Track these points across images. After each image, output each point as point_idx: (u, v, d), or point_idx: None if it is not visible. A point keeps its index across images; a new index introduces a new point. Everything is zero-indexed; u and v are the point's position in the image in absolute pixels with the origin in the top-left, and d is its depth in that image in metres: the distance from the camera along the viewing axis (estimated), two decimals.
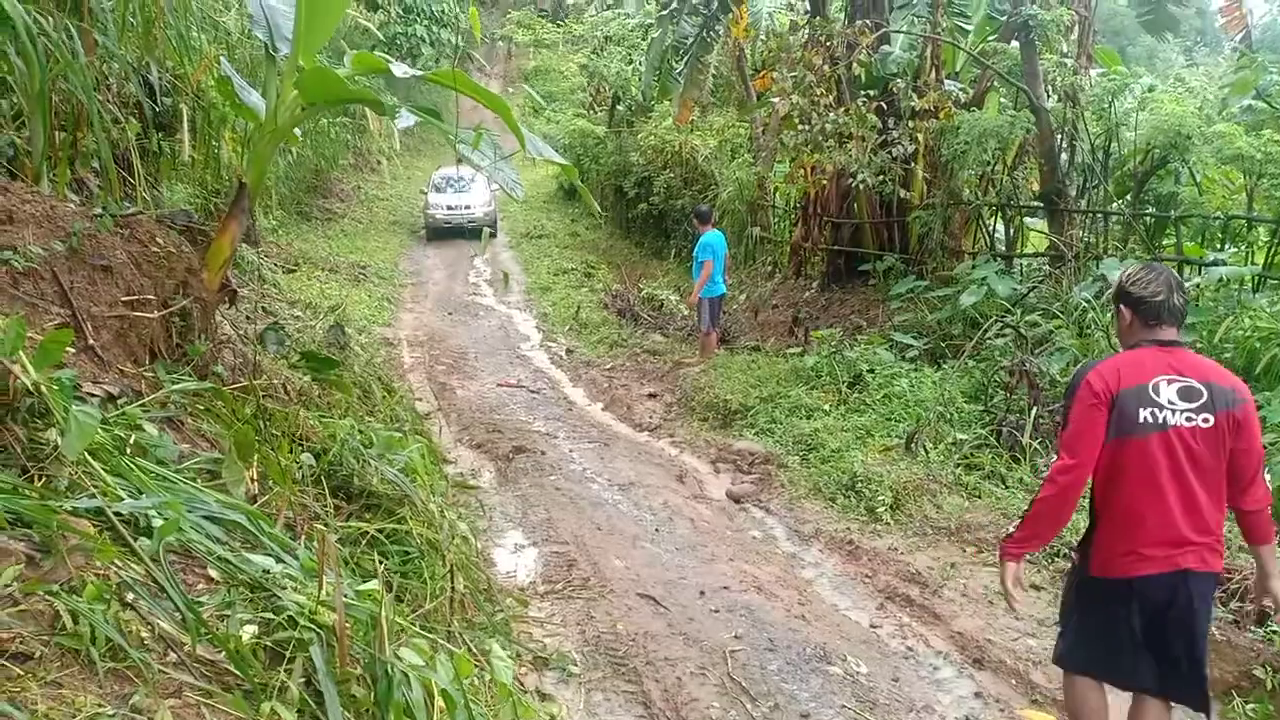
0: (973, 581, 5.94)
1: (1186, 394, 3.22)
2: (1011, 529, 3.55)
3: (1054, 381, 7.88)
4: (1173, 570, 3.29)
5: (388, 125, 19.13)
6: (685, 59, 15.17)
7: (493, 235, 23.12)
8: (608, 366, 12.57)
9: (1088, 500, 3.54)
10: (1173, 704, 3.50)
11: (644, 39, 22.67)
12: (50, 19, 4.07)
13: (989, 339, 9.26)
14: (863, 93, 11.87)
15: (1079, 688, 3.62)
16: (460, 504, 6.37)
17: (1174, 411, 3.21)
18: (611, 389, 11.42)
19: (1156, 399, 3.22)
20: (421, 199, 24.69)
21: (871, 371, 9.51)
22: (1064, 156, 10.95)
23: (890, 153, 11.33)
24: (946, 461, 7.54)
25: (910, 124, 11.40)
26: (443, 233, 23.16)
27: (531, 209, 25.88)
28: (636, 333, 14.47)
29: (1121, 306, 3.40)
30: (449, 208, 23.30)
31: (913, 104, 11.33)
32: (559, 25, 36.73)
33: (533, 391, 11.29)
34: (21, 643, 1.97)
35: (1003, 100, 12.73)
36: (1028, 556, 3.98)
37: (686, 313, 14.88)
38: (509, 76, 42.05)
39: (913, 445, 7.81)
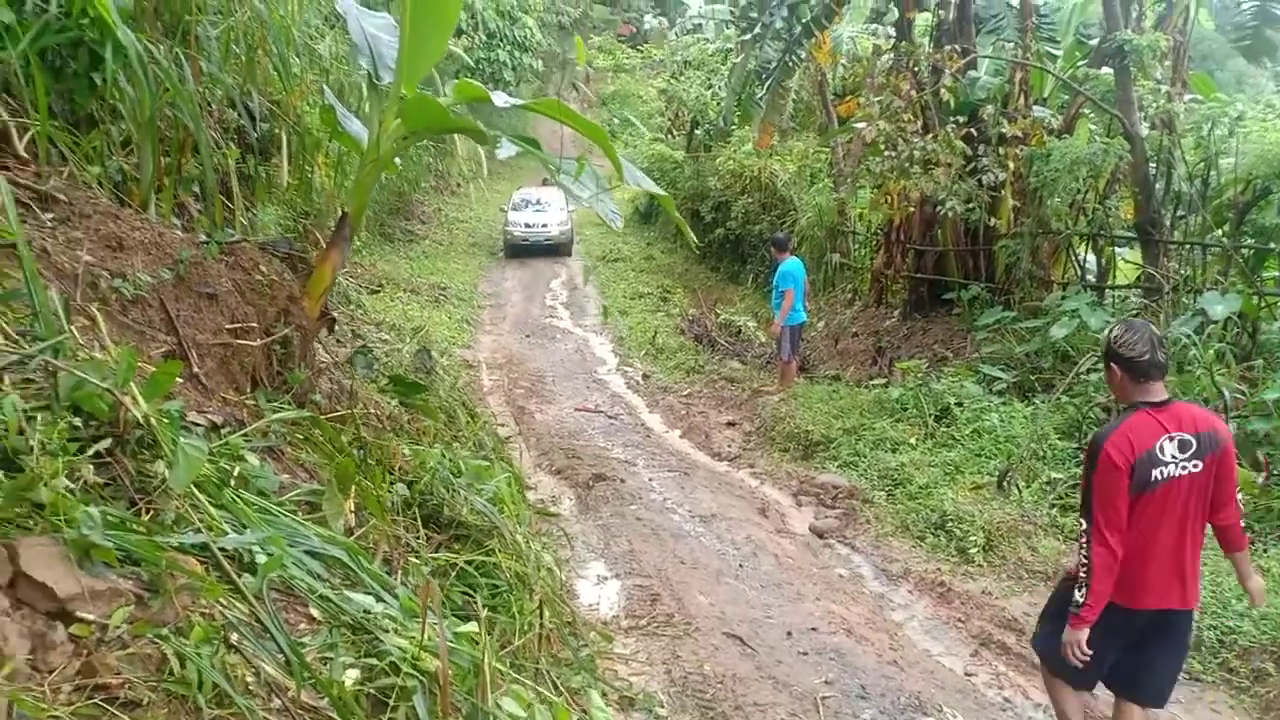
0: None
1: (1183, 446, 3.69)
2: (1079, 598, 3.77)
3: None
4: (1166, 608, 3.81)
5: (474, 150, 19.37)
6: (767, 83, 15.03)
7: (567, 253, 23.60)
8: (685, 393, 12.45)
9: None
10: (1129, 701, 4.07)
11: (723, 63, 22.64)
12: (160, 46, 4.12)
13: (1082, 374, 8.94)
14: (951, 118, 11.63)
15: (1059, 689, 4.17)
16: (543, 533, 6.31)
17: (1175, 464, 3.68)
18: (689, 416, 11.30)
19: (1163, 458, 3.67)
20: (500, 219, 25.17)
21: (960, 405, 9.23)
22: (1159, 185, 10.58)
23: (979, 180, 11.08)
24: (1041, 502, 7.28)
25: (1000, 151, 11.14)
26: (520, 250, 23.79)
27: (607, 232, 25.89)
28: (714, 359, 14.33)
29: (1112, 365, 3.85)
30: (527, 225, 24.10)
31: (1002, 130, 11.07)
32: (638, 50, 36.92)
33: (610, 417, 11.22)
34: (130, 688, 1.93)
35: (1093, 127, 12.38)
36: None
37: (764, 340, 14.71)
38: (587, 101, 42.39)
39: (1005, 484, 7.56)
